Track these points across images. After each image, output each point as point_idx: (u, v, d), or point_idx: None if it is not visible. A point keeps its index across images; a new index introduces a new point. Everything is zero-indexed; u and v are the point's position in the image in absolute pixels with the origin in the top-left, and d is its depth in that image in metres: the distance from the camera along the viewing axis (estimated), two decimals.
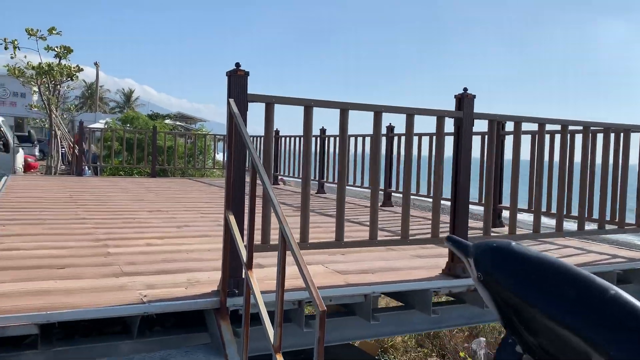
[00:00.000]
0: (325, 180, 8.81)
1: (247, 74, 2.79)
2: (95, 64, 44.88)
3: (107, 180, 9.97)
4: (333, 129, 9.33)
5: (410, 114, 3.26)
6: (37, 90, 17.05)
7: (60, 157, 20.47)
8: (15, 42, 15.51)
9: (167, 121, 33.02)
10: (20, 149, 13.66)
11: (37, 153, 28.00)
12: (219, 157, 17.95)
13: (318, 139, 8.73)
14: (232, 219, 2.59)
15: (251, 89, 2.80)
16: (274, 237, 2.46)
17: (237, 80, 2.76)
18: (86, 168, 13.36)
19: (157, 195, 7.74)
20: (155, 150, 11.44)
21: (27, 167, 21.40)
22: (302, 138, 3.05)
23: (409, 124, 3.27)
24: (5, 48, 15.35)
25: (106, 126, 16.75)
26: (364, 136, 7.77)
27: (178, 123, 35.77)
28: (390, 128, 7.29)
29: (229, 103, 2.70)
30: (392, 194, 7.45)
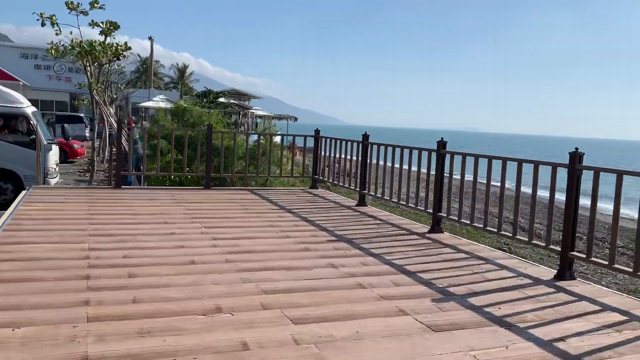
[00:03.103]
0: (367, 192, 8.08)
1: None
2: (150, 38, 43.39)
3: (150, 199, 7.71)
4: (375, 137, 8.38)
5: None
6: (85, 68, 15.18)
7: (107, 144, 18.72)
8: (54, 17, 13.48)
9: (220, 99, 30.95)
10: (54, 146, 11.66)
11: (87, 134, 26.60)
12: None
13: (360, 145, 8.19)
14: None
15: None
16: None
17: None
18: (132, 177, 11.25)
19: (216, 242, 5.34)
20: (210, 155, 9.08)
21: (73, 154, 19.87)
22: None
23: None
24: (42, 24, 13.35)
25: (155, 116, 14.60)
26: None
27: (232, 101, 33.68)
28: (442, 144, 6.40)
29: None
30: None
